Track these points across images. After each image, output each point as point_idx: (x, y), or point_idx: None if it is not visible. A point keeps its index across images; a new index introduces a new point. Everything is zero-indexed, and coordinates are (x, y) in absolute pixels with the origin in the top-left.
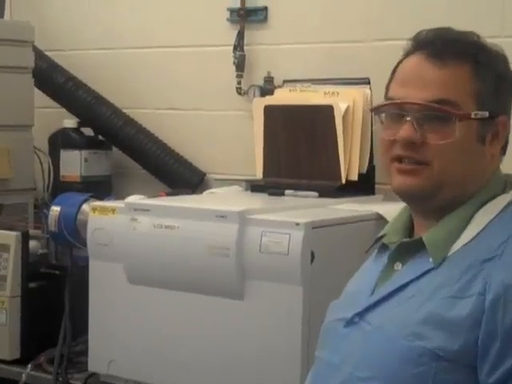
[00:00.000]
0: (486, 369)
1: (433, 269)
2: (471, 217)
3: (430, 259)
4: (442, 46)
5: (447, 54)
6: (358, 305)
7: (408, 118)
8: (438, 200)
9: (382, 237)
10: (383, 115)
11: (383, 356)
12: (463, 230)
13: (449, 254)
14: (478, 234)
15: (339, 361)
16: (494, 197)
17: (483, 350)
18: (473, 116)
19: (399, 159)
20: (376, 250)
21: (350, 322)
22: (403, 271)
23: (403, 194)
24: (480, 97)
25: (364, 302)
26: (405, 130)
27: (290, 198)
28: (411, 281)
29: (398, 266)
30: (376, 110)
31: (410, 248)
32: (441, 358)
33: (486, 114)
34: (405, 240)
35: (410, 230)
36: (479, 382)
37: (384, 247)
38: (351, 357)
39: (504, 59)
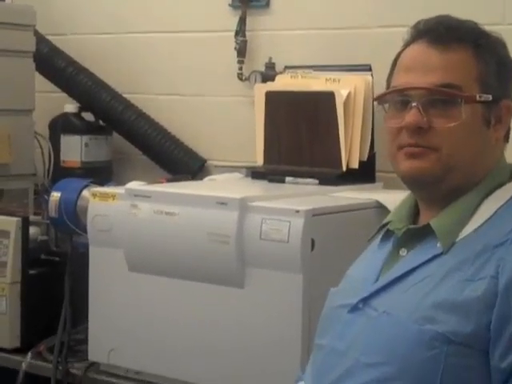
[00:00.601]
0: (498, 353)
1: (441, 254)
2: (479, 203)
3: (438, 244)
4: (444, 31)
5: (449, 38)
6: (362, 291)
7: (414, 104)
8: (446, 184)
9: (385, 224)
10: (387, 105)
11: (393, 340)
12: (471, 216)
13: (458, 239)
14: (487, 220)
15: (345, 347)
16: (500, 185)
17: (495, 334)
18: (478, 98)
19: (407, 146)
20: (379, 238)
21: (354, 308)
22: (410, 257)
23: (411, 179)
24: (484, 80)
25: (369, 287)
26: (411, 116)
27: (290, 186)
28: (419, 266)
29: (404, 252)
30: (380, 99)
31: (416, 234)
32: (452, 341)
33: (490, 97)
34: (411, 226)
35: (414, 217)
36: (491, 366)
37: (388, 234)
38: (357, 343)
39: (503, 45)
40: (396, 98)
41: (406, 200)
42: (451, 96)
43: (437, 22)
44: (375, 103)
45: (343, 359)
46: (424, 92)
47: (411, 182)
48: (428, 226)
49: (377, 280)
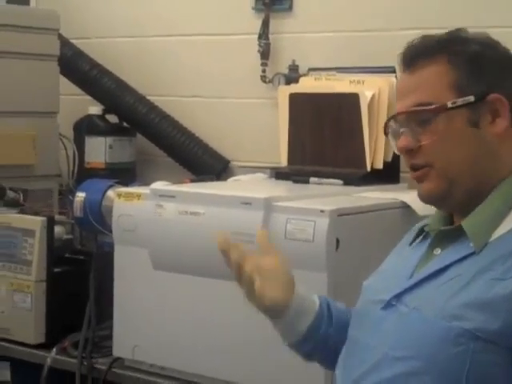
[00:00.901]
0: None
1: (474, 253)
2: None
3: (471, 244)
4: (411, 53)
5: (417, 59)
6: (396, 287)
7: (400, 130)
8: (454, 197)
9: (423, 227)
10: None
11: (420, 336)
12: (505, 215)
13: (491, 240)
14: None
15: (376, 342)
16: None
17: None
18: (450, 106)
19: (411, 168)
20: (413, 235)
21: (387, 305)
22: (443, 255)
23: (426, 201)
24: (458, 84)
25: (403, 284)
26: (400, 141)
27: (314, 186)
28: (451, 264)
29: (438, 251)
30: (385, 133)
31: (449, 235)
32: (479, 338)
33: (471, 98)
34: (443, 227)
35: (451, 218)
36: None
37: (426, 236)
38: (387, 338)
39: (481, 40)
40: (390, 128)
41: None
42: (421, 113)
43: (406, 48)
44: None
45: (373, 353)
46: (403, 116)
47: (428, 203)
48: (460, 227)
49: (411, 277)
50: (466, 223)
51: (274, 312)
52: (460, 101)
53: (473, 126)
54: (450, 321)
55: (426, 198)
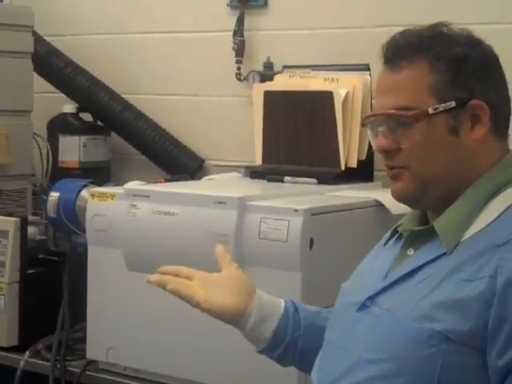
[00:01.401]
0: (495, 351)
1: (445, 254)
2: (485, 203)
3: (443, 244)
4: (393, 51)
5: (399, 57)
6: (370, 289)
7: (377, 129)
8: (428, 199)
9: (397, 227)
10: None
11: (392, 338)
12: (476, 216)
13: (462, 239)
14: (494, 220)
15: (350, 345)
16: (509, 183)
17: (493, 333)
18: (431, 112)
19: (387, 167)
20: (388, 236)
21: (362, 306)
22: (416, 256)
23: (397, 199)
24: (439, 90)
25: (377, 286)
26: (378, 141)
27: (289, 185)
28: (423, 265)
29: (411, 251)
30: (362, 125)
31: (422, 235)
32: (450, 339)
33: (452, 103)
34: (416, 228)
35: (425, 218)
36: (488, 365)
37: (401, 236)
38: (361, 340)
39: (464, 41)
40: (368, 124)
41: None
42: (401, 117)
43: (390, 41)
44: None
45: (348, 356)
46: (383, 117)
47: (399, 201)
48: (432, 227)
49: (385, 278)
50: (438, 224)
51: (230, 318)
52: (441, 107)
53: (452, 133)
54: (422, 322)
55: (398, 197)
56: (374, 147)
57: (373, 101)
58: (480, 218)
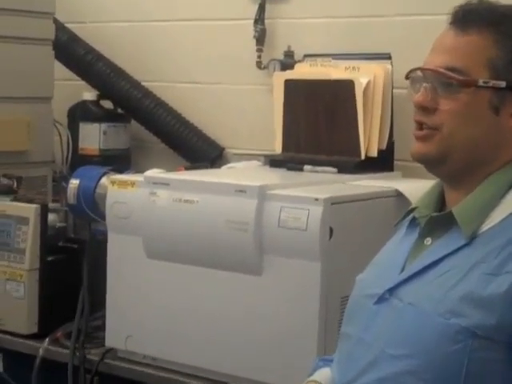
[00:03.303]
0: None
1: (466, 245)
2: (505, 192)
3: (462, 232)
4: (465, 14)
5: (469, 22)
6: (388, 281)
7: (423, 84)
8: (449, 165)
9: (412, 210)
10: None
11: (418, 333)
12: (496, 204)
13: (482, 230)
14: None
15: (371, 338)
16: None
17: None
18: (481, 83)
19: (418, 124)
20: (406, 225)
21: (380, 299)
22: (435, 247)
23: (416, 160)
24: (494, 66)
25: (395, 278)
26: (419, 95)
27: (308, 174)
28: (444, 257)
29: (428, 241)
30: (406, 77)
31: (440, 222)
32: (477, 335)
33: (503, 83)
34: (434, 214)
35: (441, 204)
36: None
37: (415, 222)
38: (383, 334)
39: None
40: (414, 76)
41: (433, 187)
42: (450, 79)
43: (463, 5)
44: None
45: (369, 350)
46: (431, 73)
47: (418, 161)
48: (450, 213)
49: (403, 269)
50: (457, 210)
51: None
52: (492, 82)
53: (493, 111)
54: (449, 317)
55: (419, 157)
56: (413, 101)
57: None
58: (500, 208)
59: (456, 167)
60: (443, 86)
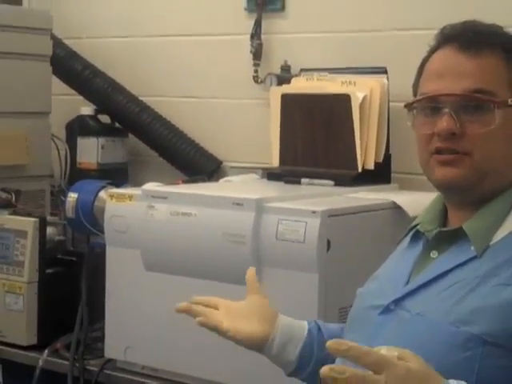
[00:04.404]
0: None
1: (475, 257)
2: (510, 208)
3: (472, 248)
4: (473, 36)
5: (479, 44)
6: (393, 292)
7: (446, 110)
8: (481, 189)
9: (414, 226)
10: (415, 111)
11: (427, 342)
12: (504, 219)
13: (491, 243)
14: None
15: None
16: None
17: None
18: (510, 103)
19: (439, 152)
20: (408, 239)
21: (386, 310)
22: (442, 259)
23: (446, 186)
24: None
25: (400, 289)
26: (444, 122)
27: (306, 187)
28: (452, 268)
29: (435, 254)
30: (410, 106)
31: (448, 237)
32: (487, 342)
33: None
34: (444, 229)
35: (444, 219)
36: None
37: (418, 236)
38: (390, 344)
39: None
40: (427, 104)
41: (435, 201)
42: (484, 102)
43: (464, 26)
44: (405, 109)
45: None
46: (457, 98)
47: (447, 189)
48: (460, 229)
49: (408, 281)
50: (468, 226)
51: (255, 346)
52: None
53: None
54: (458, 326)
55: (451, 183)
56: (429, 130)
57: (427, 83)
58: (508, 221)
59: (488, 190)
60: (472, 109)
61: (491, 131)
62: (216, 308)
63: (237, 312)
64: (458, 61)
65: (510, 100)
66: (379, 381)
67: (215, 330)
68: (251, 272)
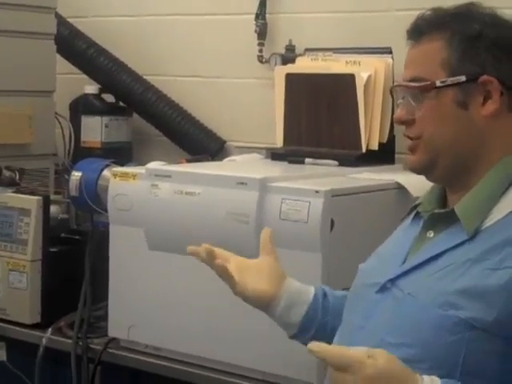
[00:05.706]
0: None
1: (467, 240)
2: (505, 188)
3: (464, 229)
4: (417, 26)
5: (421, 32)
6: (390, 271)
7: (400, 100)
8: (438, 170)
9: (417, 205)
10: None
11: (416, 323)
12: (497, 201)
13: (484, 227)
14: None
15: (372, 326)
16: None
17: None
18: (438, 84)
19: (407, 139)
20: (410, 218)
21: (382, 288)
22: (437, 240)
23: (413, 172)
24: (449, 64)
25: (397, 268)
26: (397, 112)
27: (310, 167)
28: (446, 251)
29: (431, 234)
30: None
31: (442, 218)
32: (474, 327)
33: (462, 78)
34: (437, 210)
35: (444, 199)
36: None
37: (418, 216)
38: (383, 322)
39: (485, 19)
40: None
41: (435, 185)
42: (414, 88)
43: (416, 18)
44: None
45: (369, 337)
46: (400, 89)
47: (414, 172)
48: (453, 211)
49: (405, 260)
50: (459, 207)
51: (262, 304)
52: (449, 80)
53: (461, 106)
54: (447, 309)
55: (412, 168)
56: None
57: None
58: (501, 204)
59: (446, 169)
60: (412, 97)
61: (428, 114)
62: (226, 261)
63: (247, 269)
64: (408, 51)
65: (437, 81)
66: (347, 380)
67: (226, 279)
68: (267, 232)
